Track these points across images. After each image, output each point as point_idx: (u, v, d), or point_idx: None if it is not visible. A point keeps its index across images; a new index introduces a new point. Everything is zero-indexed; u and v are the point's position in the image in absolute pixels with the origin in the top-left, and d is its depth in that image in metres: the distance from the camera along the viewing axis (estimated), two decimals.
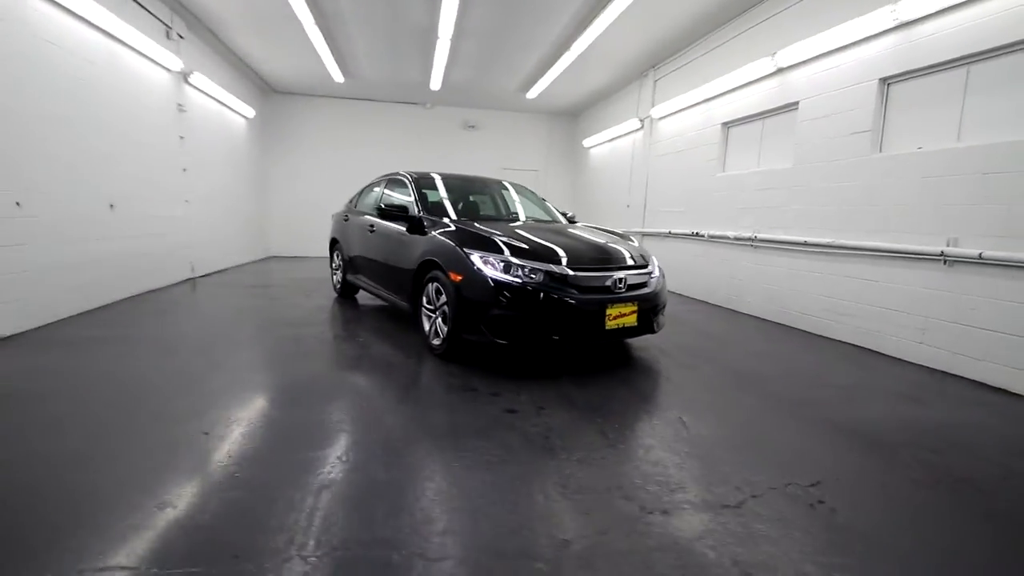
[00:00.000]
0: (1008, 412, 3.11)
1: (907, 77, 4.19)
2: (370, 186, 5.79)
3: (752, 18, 5.88)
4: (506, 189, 5.24)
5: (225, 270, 8.30)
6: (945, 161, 3.86)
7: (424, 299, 3.90)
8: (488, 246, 3.45)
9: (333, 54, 7.82)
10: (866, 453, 2.48)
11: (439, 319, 3.71)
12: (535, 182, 11.99)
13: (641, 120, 8.66)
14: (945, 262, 3.81)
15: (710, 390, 3.30)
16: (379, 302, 5.92)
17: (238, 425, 2.45)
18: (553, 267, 3.30)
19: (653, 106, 8.22)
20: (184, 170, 6.71)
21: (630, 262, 3.64)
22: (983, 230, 3.59)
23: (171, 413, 2.58)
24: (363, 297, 6.21)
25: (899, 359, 4.16)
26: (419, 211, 4.31)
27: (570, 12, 6.14)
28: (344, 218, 5.95)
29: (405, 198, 4.71)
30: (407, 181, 4.80)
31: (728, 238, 6.27)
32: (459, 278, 3.40)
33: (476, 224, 3.92)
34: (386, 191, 5.19)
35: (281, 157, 10.92)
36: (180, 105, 6.54)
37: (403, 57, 8.10)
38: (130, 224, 5.45)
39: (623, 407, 2.93)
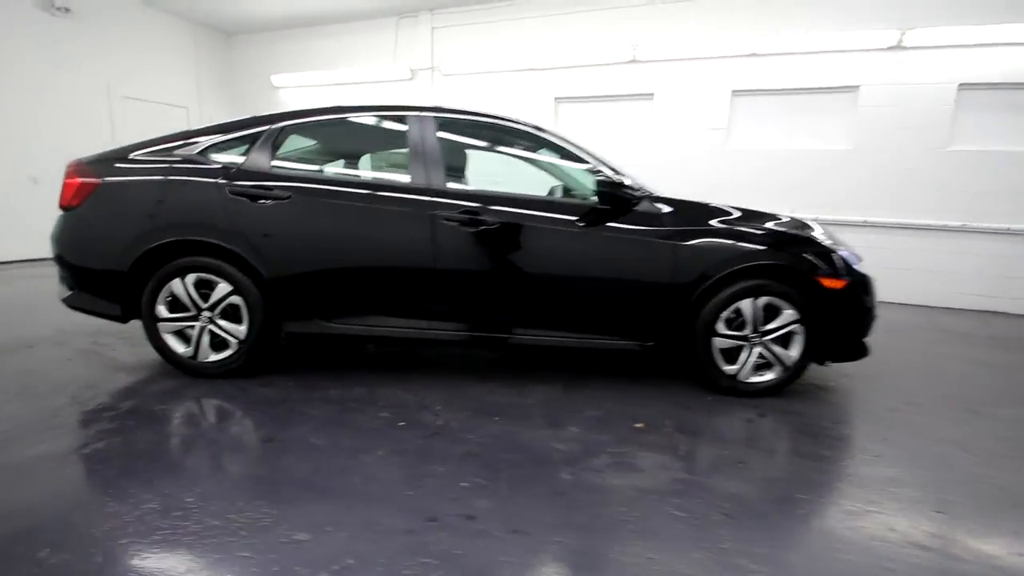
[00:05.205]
0: None
1: (752, 93, 5.93)
2: (361, 133, 2.84)
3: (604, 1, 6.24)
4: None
5: None
6: (782, 157, 5.88)
7: (720, 324, 2.58)
8: (830, 235, 2.76)
9: None
10: None
11: (763, 347, 2.61)
12: (186, 127, 7.74)
13: (413, 71, 7.30)
14: None
15: None
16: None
17: None
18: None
19: (435, 58, 7.13)
20: None
21: None
22: (813, 203, 5.83)
23: None
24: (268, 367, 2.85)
25: None
26: (637, 191, 2.61)
27: None
28: (252, 197, 2.45)
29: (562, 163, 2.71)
30: (545, 133, 2.74)
31: None
32: (841, 284, 2.57)
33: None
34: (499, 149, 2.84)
35: None
36: None
37: None
38: None
39: None
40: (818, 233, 2.72)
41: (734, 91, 5.96)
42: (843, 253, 2.65)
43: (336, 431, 2.14)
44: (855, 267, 2.65)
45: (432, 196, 2.51)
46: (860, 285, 2.65)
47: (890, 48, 5.30)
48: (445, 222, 2.49)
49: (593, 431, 2.25)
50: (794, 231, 2.68)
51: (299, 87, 8.08)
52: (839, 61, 5.51)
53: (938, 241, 5.42)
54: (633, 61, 6.23)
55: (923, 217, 5.43)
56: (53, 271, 2.70)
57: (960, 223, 5.33)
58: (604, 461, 2.00)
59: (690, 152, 6.18)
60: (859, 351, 2.73)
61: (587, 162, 2.68)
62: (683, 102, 6.14)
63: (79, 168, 2.57)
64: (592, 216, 2.57)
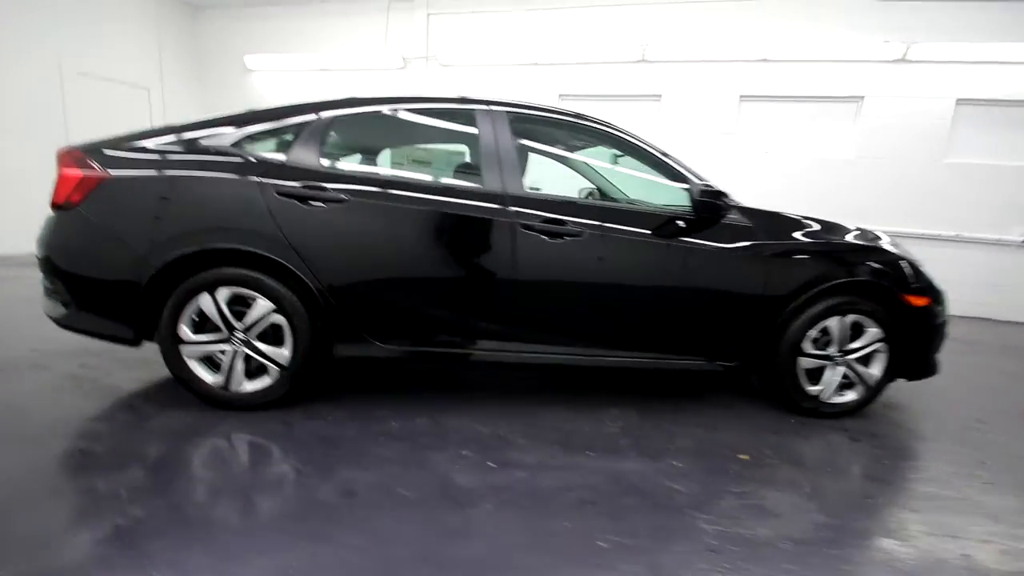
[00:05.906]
0: None
1: (759, 99, 5.92)
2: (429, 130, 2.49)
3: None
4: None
5: None
6: (787, 164, 5.91)
7: (807, 343, 2.45)
8: (899, 246, 2.69)
9: None
10: None
11: (846, 366, 2.50)
12: (147, 109, 7.01)
13: (405, 59, 6.87)
14: None
15: None
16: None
17: None
18: None
19: (431, 47, 6.73)
20: None
21: None
22: (816, 212, 5.89)
23: None
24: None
25: None
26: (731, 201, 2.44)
27: None
28: (302, 199, 2.07)
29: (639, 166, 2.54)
30: (628, 135, 2.66)
31: None
32: (926, 301, 2.49)
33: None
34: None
35: None
36: None
37: None
38: None
39: None
40: (889, 245, 2.65)
41: (742, 96, 5.93)
42: (923, 268, 2.58)
43: (422, 478, 1.83)
44: (933, 282, 2.60)
45: (509, 204, 2.23)
46: (937, 300, 2.59)
47: (895, 60, 5.41)
48: (524, 231, 2.22)
49: (698, 466, 2.05)
50: (876, 245, 2.59)
51: (275, 71, 7.44)
52: (846, 71, 5.59)
53: (933, 250, 5.59)
54: (642, 60, 6.08)
55: (920, 227, 5.60)
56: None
57: (954, 233, 5.54)
58: (732, 504, 1.80)
59: (698, 156, 6.09)
60: (932, 368, 2.68)
61: (674, 167, 2.48)
62: (691, 105, 6.06)
63: (78, 158, 2.10)
64: (676, 226, 2.37)
